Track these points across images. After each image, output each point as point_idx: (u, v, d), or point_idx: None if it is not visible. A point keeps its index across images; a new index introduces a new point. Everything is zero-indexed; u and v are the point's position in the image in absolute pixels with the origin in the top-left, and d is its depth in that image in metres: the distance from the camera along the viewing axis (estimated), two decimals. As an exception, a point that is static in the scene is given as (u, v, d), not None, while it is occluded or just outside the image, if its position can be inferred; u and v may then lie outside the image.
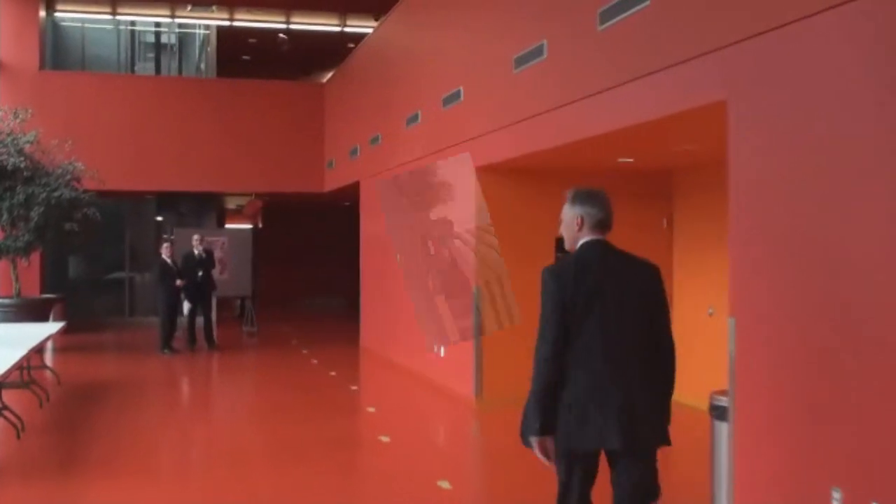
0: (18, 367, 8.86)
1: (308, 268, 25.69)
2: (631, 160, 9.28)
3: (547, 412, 3.90)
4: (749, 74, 5.37)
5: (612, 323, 3.88)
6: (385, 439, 8.33)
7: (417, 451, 8.18)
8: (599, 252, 4.07)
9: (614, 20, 6.91)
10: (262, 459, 7.73)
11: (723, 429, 5.59)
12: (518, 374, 10.13)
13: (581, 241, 4.14)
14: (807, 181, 4.92)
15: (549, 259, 10.09)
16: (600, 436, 3.83)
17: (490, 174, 9.92)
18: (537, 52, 8.35)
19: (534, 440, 3.95)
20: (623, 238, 10.03)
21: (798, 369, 4.99)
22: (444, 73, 11.20)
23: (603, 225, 4.13)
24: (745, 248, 5.47)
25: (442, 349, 11.11)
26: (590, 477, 4.00)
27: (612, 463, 4.01)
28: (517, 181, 10.05)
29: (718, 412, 5.63)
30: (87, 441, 8.35)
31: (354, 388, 11.79)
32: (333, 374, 12.72)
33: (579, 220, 4.14)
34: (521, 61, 8.70)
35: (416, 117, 12.21)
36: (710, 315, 9.84)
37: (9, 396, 9.65)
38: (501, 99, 9.35)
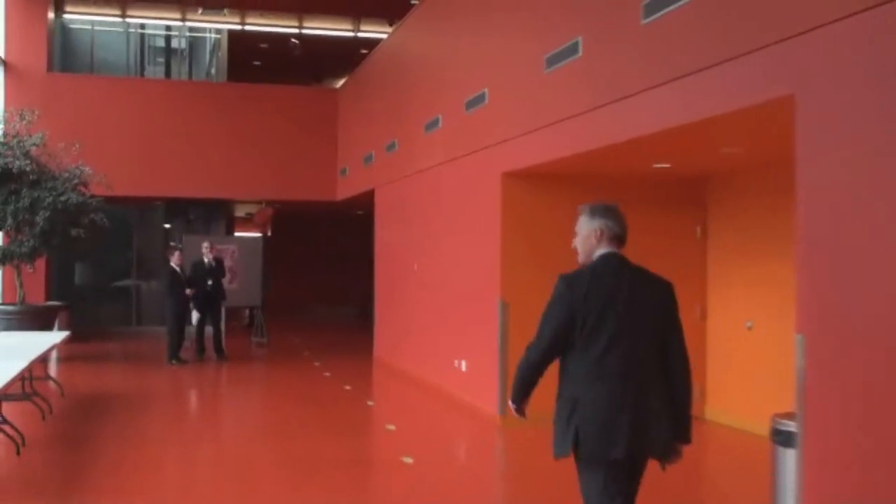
0: (20, 378, 8.40)
1: (318, 277, 25.24)
2: (667, 165, 8.80)
3: (527, 390, 4.20)
4: (820, 67, 4.89)
5: (624, 336, 3.96)
6: (408, 460, 7.83)
7: (442, 473, 7.67)
8: (615, 265, 4.13)
9: (661, 12, 6.43)
10: (275, 480, 7.25)
11: (789, 456, 5.08)
12: (546, 391, 9.69)
13: (597, 254, 4.18)
14: (883, 184, 4.43)
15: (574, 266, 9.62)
16: (611, 445, 3.90)
17: (516, 180, 9.47)
18: (571, 50, 7.88)
19: (513, 406, 4.27)
20: (655, 247, 9.56)
21: (875, 391, 4.50)
22: (466, 76, 10.74)
23: (620, 239, 4.19)
24: (815, 258, 4.98)
25: (463, 363, 10.63)
26: (615, 485, 3.99)
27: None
28: (544, 188, 9.57)
29: (783, 438, 5.13)
30: (90, 457, 7.88)
31: (371, 403, 11.29)
32: (348, 387, 12.22)
33: (598, 232, 4.18)
34: (552, 60, 8.23)
35: (436, 122, 11.74)
36: (749, 329, 9.35)
37: (10, 409, 9.18)
38: (530, 101, 8.89)
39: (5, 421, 8.08)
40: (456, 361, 10.83)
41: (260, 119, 18.69)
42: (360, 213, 23.04)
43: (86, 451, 8.10)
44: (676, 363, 4.07)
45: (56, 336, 10.81)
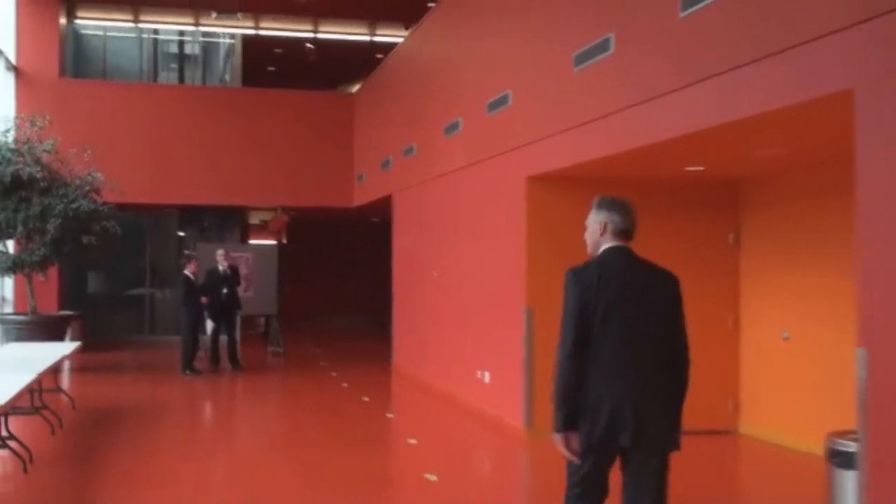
0: (29, 390, 8.09)
1: (333, 285, 24.98)
2: (700, 168, 8.42)
3: (570, 409, 4.00)
4: (883, 59, 4.52)
5: (631, 328, 4.01)
6: (432, 478, 7.46)
7: (468, 492, 7.29)
8: (622, 258, 4.15)
9: (701, 4, 6.08)
10: (293, 498, 6.90)
11: (848, 478, 4.70)
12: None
13: (604, 247, 4.20)
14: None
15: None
16: (615, 433, 3.94)
17: (542, 184, 9.12)
18: (602, 46, 7.53)
19: (557, 436, 4.04)
20: (685, 253, 9.20)
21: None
22: (488, 77, 10.40)
23: (626, 233, 4.20)
24: (878, 266, 4.60)
25: (486, 374, 10.27)
26: (603, 470, 4.09)
27: (624, 461, 4.12)
28: (571, 192, 9.17)
29: (842, 459, 4.75)
30: (100, 472, 7.55)
31: (390, 415, 10.94)
32: (366, 399, 11.87)
33: (602, 225, 4.22)
34: (581, 58, 7.88)
35: (456, 125, 11.40)
36: (786, 339, 8.96)
37: (18, 423, 8.89)
38: (557, 101, 8.54)
39: (12, 437, 7.76)
40: (478, 372, 10.47)
41: (275, 124, 18.40)
42: (375, 220, 22.78)
43: (96, 467, 7.78)
44: (681, 367, 4.13)
45: (66, 347, 10.50)
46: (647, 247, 9.34)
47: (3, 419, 7.70)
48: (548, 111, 8.73)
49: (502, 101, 9.75)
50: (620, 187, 9.31)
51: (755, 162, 8.22)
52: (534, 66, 9.09)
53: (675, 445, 4.12)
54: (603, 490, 4.12)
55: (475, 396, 10.65)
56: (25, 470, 7.35)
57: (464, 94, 11.32)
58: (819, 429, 8.42)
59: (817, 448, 8.33)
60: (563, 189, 9.15)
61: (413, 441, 9.09)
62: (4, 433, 7.70)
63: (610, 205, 4.27)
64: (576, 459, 4.06)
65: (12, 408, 7.57)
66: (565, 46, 8.21)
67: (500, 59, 10.15)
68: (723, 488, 7.86)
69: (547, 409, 9.19)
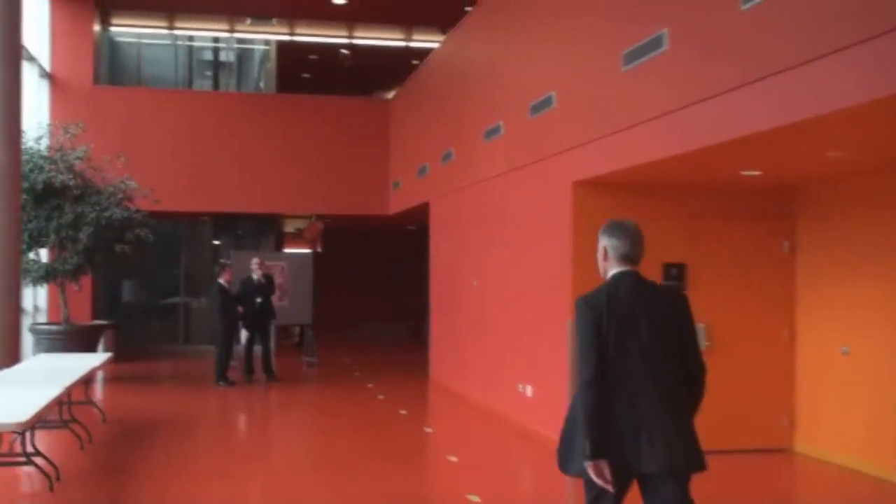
0: (58, 402, 7.82)
1: (368, 294, 24.63)
2: (758, 173, 7.98)
3: (597, 434, 3.98)
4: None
5: (644, 351, 4.04)
6: (475, 499, 7.07)
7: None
8: (629, 282, 4.19)
9: (766, -4, 5.67)
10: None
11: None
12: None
13: (611, 273, 4.25)
14: None
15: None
16: (636, 458, 3.97)
17: (589, 189, 8.71)
18: (654, 44, 7.13)
19: (588, 464, 3.99)
20: (737, 263, 8.78)
21: None
22: (531, 79, 10.03)
23: (628, 258, 4.22)
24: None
25: (528, 388, 9.87)
26: (622, 494, 4.10)
27: (644, 486, 4.12)
28: (620, 198, 8.79)
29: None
30: (129, 493, 7.27)
31: (429, 430, 10.58)
32: (404, 412, 11.52)
33: (604, 251, 4.28)
34: (632, 57, 7.48)
35: (496, 129, 11.03)
36: (845, 355, 8.48)
37: (46, 438, 8.65)
38: (605, 103, 8.15)
39: (38, 453, 7.47)
40: (520, 386, 10.07)
41: (310, 131, 18.15)
42: (411, 228, 22.46)
43: (126, 485, 7.49)
44: (695, 375, 4.15)
45: (96, 359, 10.23)
46: (698, 255, 8.99)
47: (28, 434, 7.41)
48: (595, 113, 8.34)
49: (546, 103, 9.37)
50: (671, 193, 8.96)
51: (815, 166, 7.78)
52: (579, 66, 8.71)
53: (701, 465, 4.10)
54: None
55: (516, 411, 10.25)
56: (51, 488, 7.05)
57: (505, 98, 10.95)
58: (887, 451, 8.01)
59: (885, 471, 7.92)
60: (611, 194, 8.75)
61: (453, 458, 8.70)
62: (30, 449, 7.41)
63: (611, 230, 4.29)
64: (610, 488, 4.00)
65: (40, 421, 7.31)
66: (614, 44, 7.82)
67: (542, 60, 9.78)
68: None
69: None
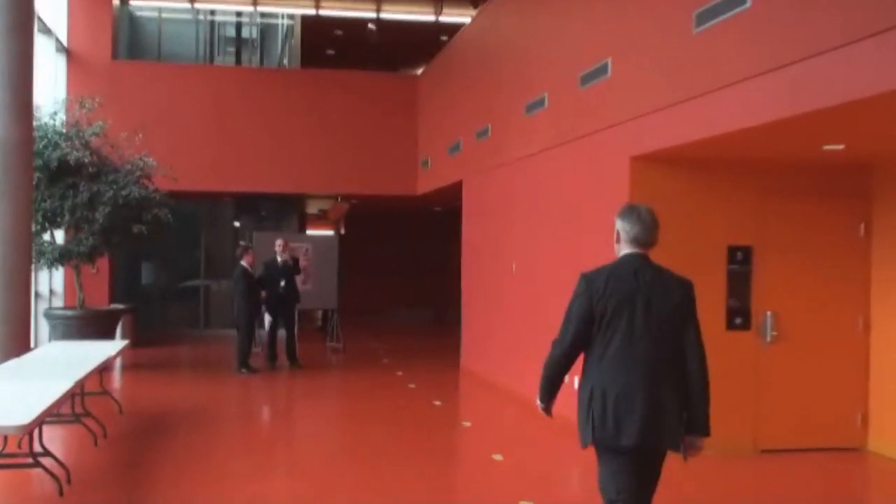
0: (68, 397, 7.15)
1: (391, 277, 23.99)
2: (840, 147, 7.18)
3: (552, 393, 4.42)
4: None
5: (641, 331, 4.17)
6: (529, 507, 6.37)
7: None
8: (634, 265, 4.29)
9: (882, -64, 4.88)
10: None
11: None
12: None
13: (620, 254, 4.38)
14: None
15: (720, 269, 8.10)
16: (619, 432, 4.10)
17: (648, 165, 7.96)
18: (731, 1, 6.35)
19: (541, 405, 4.48)
20: (808, 246, 7.98)
21: None
22: (581, 47, 9.26)
23: (638, 241, 4.34)
24: None
25: (575, 380, 9.11)
26: (624, 476, 4.20)
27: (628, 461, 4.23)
28: (685, 174, 8.05)
29: None
30: (146, 495, 6.59)
31: (467, 423, 9.83)
32: (438, 403, 10.82)
33: (617, 234, 4.41)
34: (705, 17, 6.70)
35: (541, 102, 10.26)
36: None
37: (56, 433, 8.01)
38: (670, 69, 7.37)
39: (47, 453, 6.80)
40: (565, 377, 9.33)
41: (335, 108, 17.42)
42: (438, 209, 21.73)
43: (142, 486, 6.83)
44: (692, 359, 4.22)
45: (112, 347, 9.53)
46: (765, 237, 8.21)
47: (36, 432, 6.75)
48: (658, 80, 7.56)
49: (600, 71, 8.59)
50: (737, 170, 8.15)
51: (905, 139, 6.98)
52: (640, 29, 7.93)
53: (693, 446, 4.33)
54: (634, 487, 4.23)
55: (560, 403, 9.48)
56: (61, 493, 6.36)
57: (549, 68, 10.18)
58: None
59: None
60: (672, 171, 8.00)
61: (498, 457, 7.97)
62: (38, 448, 6.76)
63: (624, 214, 4.42)
64: (549, 416, 4.55)
65: (50, 416, 6.66)
66: (683, 3, 7.04)
67: (595, 26, 9.00)
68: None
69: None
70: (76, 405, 8.50)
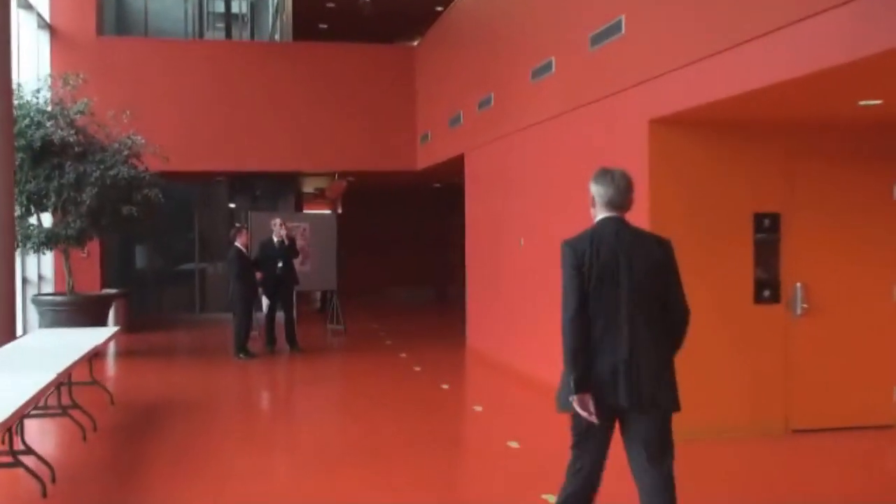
0: (56, 386, 6.66)
1: (389, 255, 23.46)
2: (877, 102, 6.64)
3: (580, 370, 4.15)
4: None
5: (623, 292, 4.23)
6: (551, 499, 5.86)
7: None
8: (612, 228, 4.35)
9: None
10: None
11: None
12: (721, 398, 7.55)
13: (597, 218, 4.43)
14: None
15: (746, 238, 7.59)
16: (612, 394, 4.16)
17: (669, 128, 7.42)
18: (763, -57, 5.81)
19: (573, 398, 4.18)
20: (838, 210, 7.46)
21: None
22: (590, 4, 8.71)
23: (613, 204, 4.38)
24: None
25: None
26: (600, 431, 4.27)
27: (621, 422, 4.32)
28: (703, 138, 7.52)
29: None
30: (137, 496, 6.10)
31: (478, 408, 9.35)
32: (445, 386, 10.34)
33: (591, 198, 4.46)
34: (731, -38, 6.16)
35: (547, 67, 9.71)
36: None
37: (42, 428, 7.50)
38: (691, 22, 6.83)
39: (29, 451, 6.30)
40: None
41: (331, 82, 16.84)
42: (437, 185, 21.19)
43: (134, 486, 6.33)
44: (676, 315, 4.32)
45: (100, 335, 8.96)
46: (794, 203, 7.70)
47: (16, 429, 6.25)
48: (678, 35, 7.01)
49: (612, 30, 8.04)
50: (764, 131, 7.59)
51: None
52: (657, -18, 7.38)
53: (674, 405, 4.30)
54: (602, 450, 4.33)
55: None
56: (45, 494, 5.86)
57: (556, 31, 9.62)
58: None
59: None
60: (696, 134, 7.47)
61: (514, 444, 7.47)
62: (20, 446, 6.25)
63: (597, 177, 4.45)
64: (594, 419, 4.18)
65: (35, 409, 6.18)
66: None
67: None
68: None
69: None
70: (63, 396, 7.98)
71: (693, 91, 6.80)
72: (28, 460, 6.14)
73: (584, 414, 4.17)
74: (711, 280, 7.45)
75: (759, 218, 7.63)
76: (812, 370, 7.75)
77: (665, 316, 4.29)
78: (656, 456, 4.24)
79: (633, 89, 7.69)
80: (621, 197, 4.38)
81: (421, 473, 6.71)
